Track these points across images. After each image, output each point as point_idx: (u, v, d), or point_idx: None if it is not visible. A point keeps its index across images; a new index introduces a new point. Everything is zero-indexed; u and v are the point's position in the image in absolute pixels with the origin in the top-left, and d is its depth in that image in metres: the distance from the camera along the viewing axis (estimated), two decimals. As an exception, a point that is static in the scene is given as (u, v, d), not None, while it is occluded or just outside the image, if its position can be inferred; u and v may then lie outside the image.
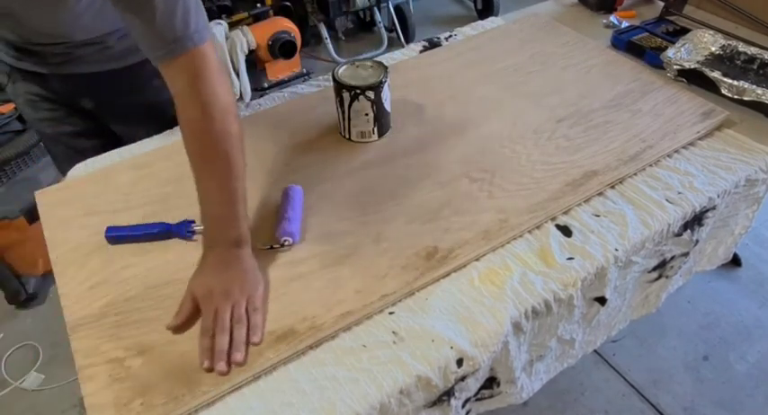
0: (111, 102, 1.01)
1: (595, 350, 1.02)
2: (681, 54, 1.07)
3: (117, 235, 0.79)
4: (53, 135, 1.03)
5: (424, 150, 0.93)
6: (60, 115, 1.02)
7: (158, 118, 1.01)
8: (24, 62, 0.93)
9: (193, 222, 0.80)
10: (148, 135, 1.01)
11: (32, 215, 1.54)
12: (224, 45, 2.17)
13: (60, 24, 0.86)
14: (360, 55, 2.60)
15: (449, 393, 0.70)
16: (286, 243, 0.77)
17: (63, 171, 0.99)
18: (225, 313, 0.66)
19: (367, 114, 0.91)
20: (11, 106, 1.61)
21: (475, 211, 0.82)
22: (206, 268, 0.71)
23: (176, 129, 1.01)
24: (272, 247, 0.77)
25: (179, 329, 0.68)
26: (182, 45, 0.67)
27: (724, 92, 1.00)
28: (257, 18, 2.32)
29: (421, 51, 1.19)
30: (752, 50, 1.06)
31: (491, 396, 0.81)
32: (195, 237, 0.80)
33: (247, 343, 0.66)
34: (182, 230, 0.79)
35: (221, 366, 0.63)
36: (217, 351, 0.64)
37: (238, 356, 0.64)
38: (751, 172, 0.89)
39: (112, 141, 1.03)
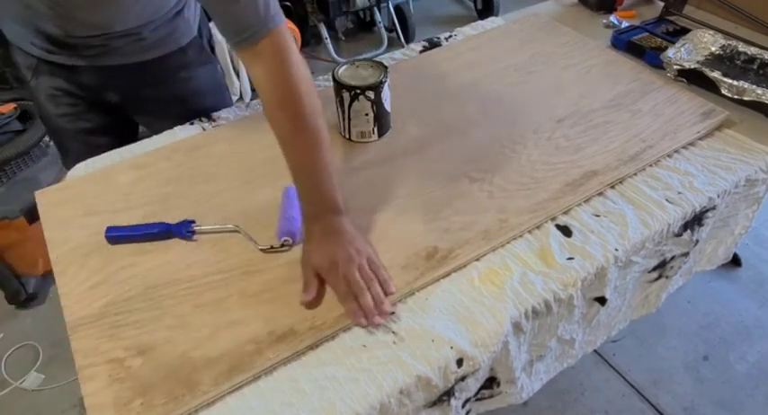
0: (137, 95, 1.03)
1: (595, 350, 1.02)
2: (681, 54, 1.07)
3: (117, 235, 0.79)
4: (71, 131, 1.04)
5: (424, 150, 0.93)
6: (80, 110, 1.03)
7: (181, 109, 1.04)
8: (57, 55, 0.93)
9: (193, 222, 0.80)
10: (171, 126, 1.03)
11: (32, 215, 1.53)
12: (224, 45, 2.17)
13: (106, 16, 0.88)
14: (360, 55, 2.60)
15: (449, 393, 0.70)
16: (286, 243, 0.77)
17: (71, 168, 0.99)
18: (356, 276, 0.69)
19: (367, 114, 0.91)
20: (11, 106, 1.61)
21: (475, 211, 0.82)
22: (316, 240, 0.73)
23: (176, 129, 1.02)
24: (271, 247, 0.77)
25: (311, 304, 0.70)
26: (266, 27, 0.70)
27: (724, 92, 1.00)
28: (257, 18, 2.31)
29: (421, 51, 1.19)
30: (752, 50, 1.06)
31: (491, 396, 0.81)
32: (195, 237, 0.80)
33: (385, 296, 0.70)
34: (181, 230, 0.79)
35: (378, 319, 0.68)
36: (367, 309, 0.68)
37: (386, 307, 0.69)
38: (751, 172, 0.89)
39: (127, 138, 1.04)
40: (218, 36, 2.13)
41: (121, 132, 1.09)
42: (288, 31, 0.73)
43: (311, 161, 0.74)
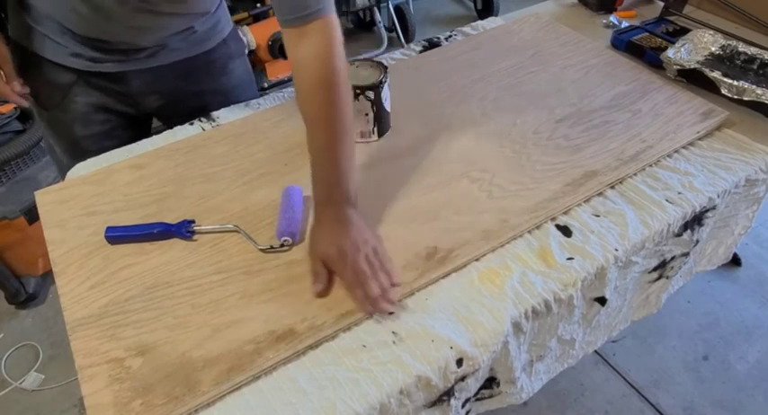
0: (182, 94, 1.03)
1: (595, 350, 1.02)
2: (681, 54, 1.07)
3: (116, 235, 0.79)
4: (93, 152, 0.99)
5: (424, 150, 0.93)
6: (110, 128, 1.01)
7: (223, 103, 1.05)
8: (104, 63, 0.92)
9: (193, 222, 0.80)
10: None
11: (32, 215, 1.54)
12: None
13: (163, 18, 0.88)
14: (360, 55, 2.60)
15: (449, 393, 0.70)
16: (286, 243, 0.77)
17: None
18: (363, 264, 0.70)
19: (367, 114, 0.91)
20: (11, 106, 1.61)
21: (475, 211, 0.82)
22: (325, 229, 0.74)
23: (176, 129, 1.02)
24: (271, 247, 0.77)
25: (323, 293, 0.71)
26: (321, 10, 0.73)
27: (724, 92, 1.00)
28: (257, 18, 2.32)
29: (421, 51, 1.19)
30: (752, 50, 1.06)
31: (491, 396, 0.81)
32: (195, 237, 0.80)
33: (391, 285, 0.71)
34: (181, 230, 0.79)
35: (385, 306, 0.69)
36: (374, 298, 0.68)
37: (392, 294, 0.70)
38: (751, 172, 0.89)
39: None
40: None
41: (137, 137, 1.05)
42: (338, 23, 0.76)
43: (335, 147, 0.74)
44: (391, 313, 0.70)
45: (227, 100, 1.07)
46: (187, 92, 1.03)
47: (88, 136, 1.00)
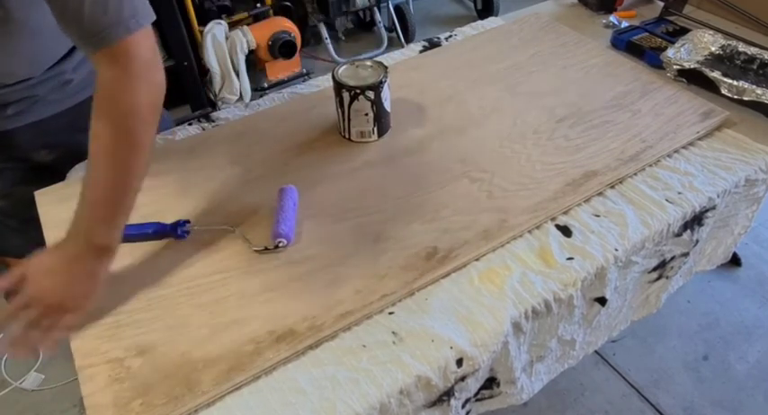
0: (74, 144, 0.87)
1: (595, 350, 1.02)
2: (681, 54, 1.07)
3: (115, 235, 0.79)
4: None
5: (424, 150, 0.93)
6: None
7: None
8: None
9: (188, 222, 0.80)
10: None
11: (32, 215, 1.53)
12: (224, 45, 2.17)
13: (21, 53, 0.77)
14: (360, 55, 2.60)
15: (449, 393, 0.70)
16: (280, 245, 0.77)
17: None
18: (35, 311, 0.64)
19: (367, 114, 0.91)
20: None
21: (475, 211, 0.82)
22: (58, 257, 0.66)
23: (176, 130, 1.02)
24: (266, 248, 0.77)
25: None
26: (110, 34, 0.60)
27: (724, 92, 1.00)
28: (257, 18, 2.32)
29: (421, 51, 1.19)
30: (752, 50, 1.06)
31: (491, 396, 0.81)
32: (195, 238, 0.80)
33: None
34: (176, 230, 0.79)
35: (19, 351, 0.63)
36: (20, 340, 0.63)
37: (24, 352, 0.64)
38: (751, 172, 0.89)
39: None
40: (217, 36, 2.14)
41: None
42: (146, 44, 0.62)
43: (107, 190, 0.65)
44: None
45: None
46: (77, 141, 0.84)
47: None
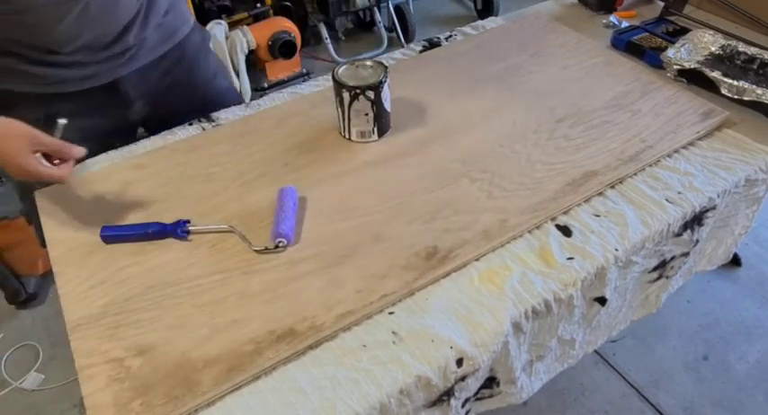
0: (163, 96, 1.02)
1: (595, 350, 1.02)
2: (681, 54, 1.07)
3: (112, 235, 0.79)
4: None
5: (424, 150, 0.93)
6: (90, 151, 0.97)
7: (202, 98, 1.05)
8: (91, 78, 0.91)
9: (188, 222, 0.80)
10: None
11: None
12: (224, 45, 2.17)
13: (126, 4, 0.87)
14: (360, 55, 2.60)
15: (449, 393, 0.70)
16: (280, 244, 0.77)
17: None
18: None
19: (367, 114, 0.91)
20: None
21: (475, 211, 0.82)
22: None
23: (175, 130, 1.02)
24: (266, 248, 0.77)
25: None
26: None
27: (724, 92, 1.00)
28: (257, 18, 2.32)
29: (421, 51, 1.19)
30: (752, 50, 1.06)
31: (491, 396, 0.81)
32: (195, 238, 0.80)
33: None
34: (176, 230, 0.79)
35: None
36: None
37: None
38: (751, 172, 0.89)
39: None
40: (217, 36, 2.14)
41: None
42: None
43: None
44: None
45: (211, 91, 1.07)
46: (172, 92, 1.03)
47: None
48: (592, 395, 1.38)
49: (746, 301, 1.57)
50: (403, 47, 1.34)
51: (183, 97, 1.06)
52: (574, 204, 0.83)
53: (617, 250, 0.78)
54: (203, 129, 1.01)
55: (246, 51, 2.23)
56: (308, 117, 1.01)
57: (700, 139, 0.94)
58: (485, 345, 0.69)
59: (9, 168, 0.73)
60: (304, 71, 2.45)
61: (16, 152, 0.71)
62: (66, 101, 0.91)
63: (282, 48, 2.25)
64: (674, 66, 1.05)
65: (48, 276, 1.69)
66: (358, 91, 0.89)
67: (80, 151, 0.76)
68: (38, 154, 0.73)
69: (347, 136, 0.96)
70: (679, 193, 0.85)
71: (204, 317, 0.70)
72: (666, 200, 0.84)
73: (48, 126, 0.78)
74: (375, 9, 2.65)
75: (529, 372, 0.84)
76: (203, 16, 2.18)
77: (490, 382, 0.78)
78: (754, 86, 0.97)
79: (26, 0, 0.78)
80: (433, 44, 1.21)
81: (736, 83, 0.98)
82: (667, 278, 0.95)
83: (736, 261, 1.65)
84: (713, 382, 1.39)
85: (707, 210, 0.87)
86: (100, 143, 0.96)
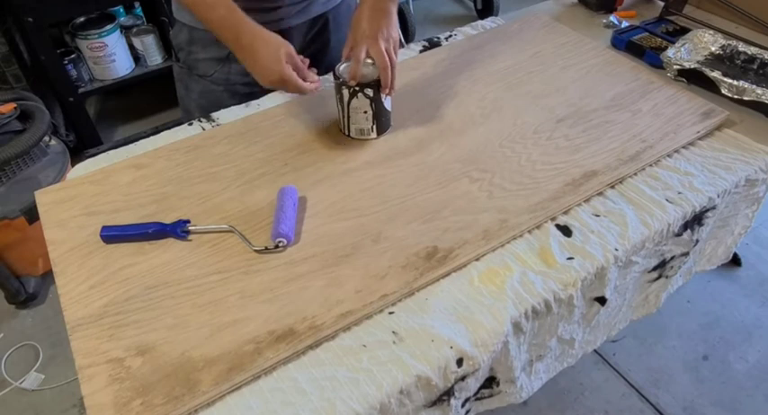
0: (322, 50, 1.11)
1: (595, 350, 1.02)
2: (681, 54, 1.07)
3: (112, 235, 0.79)
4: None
5: (424, 150, 0.93)
6: (249, 94, 1.07)
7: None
8: (271, 22, 0.98)
9: (188, 222, 0.80)
10: None
11: (32, 215, 1.54)
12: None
13: None
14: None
15: (449, 393, 0.70)
16: (280, 244, 0.77)
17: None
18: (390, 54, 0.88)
19: (366, 112, 0.91)
20: (11, 106, 1.61)
21: (475, 211, 0.82)
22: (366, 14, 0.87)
23: (175, 129, 1.02)
24: (266, 248, 0.77)
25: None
26: None
27: (724, 92, 1.00)
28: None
29: (421, 51, 1.19)
30: (752, 50, 1.06)
31: (491, 396, 0.81)
32: (194, 237, 0.80)
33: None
34: (176, 230, 0.79)
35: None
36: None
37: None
38: (751, 171, 0.89)
39: None
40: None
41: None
42: None
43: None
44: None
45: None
46: (315, 50, 1.10)
47: (229, 103, 1.06)
48: (592, 395, 1.38)
49: (746, 301, 1.57)
50: (403, 46, 1.34)
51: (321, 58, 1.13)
52: (574, 204, 0.83)
53: (617, 250, 0.78)
54: (203, 129, 1.01)
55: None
56: (308, 117, 1.01)
57: (700, 139, 0.94)
58: (485, 345, 0.69)
59: (264, 72, 0.84)
60: (304, 71, 2.45)
61: (275, 57, 0.83)
62: None
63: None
64: (674, 66, 1.05)
65: (48, 276, 1.69)
66: (357, 88, 0.89)
67: (315, 75, 0.89)
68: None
69: (347, 133, 0.96)
70: (679, 193, 0.85)
71: (204, 317, 0.70)
72: (666, 200, 0.84)
73: (221, 65, 1.00)
74: (375, 9, 2.64)
75: (529, 372, 0.84)
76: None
77: (490, 382, 0.79)
78: (754, 86, 0.97)
79: None
80: (432, 44, 1.21)
81: (736, 82, 0.98)
82: (667, 277, 0.95)
83: (736, 261, 1.65)
84: (713, 382, 1.39)
85: (707, 210, 0.87)
86: (253, 86, 1.04)
